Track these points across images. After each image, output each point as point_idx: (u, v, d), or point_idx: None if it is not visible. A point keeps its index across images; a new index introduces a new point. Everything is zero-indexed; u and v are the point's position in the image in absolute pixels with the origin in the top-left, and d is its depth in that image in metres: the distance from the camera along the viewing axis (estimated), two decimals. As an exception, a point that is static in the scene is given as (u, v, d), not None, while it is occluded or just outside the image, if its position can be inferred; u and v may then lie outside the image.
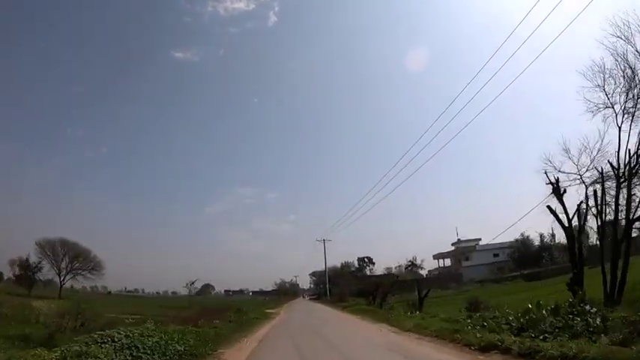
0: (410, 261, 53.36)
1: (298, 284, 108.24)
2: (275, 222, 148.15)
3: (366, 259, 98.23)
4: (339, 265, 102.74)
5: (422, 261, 57.45)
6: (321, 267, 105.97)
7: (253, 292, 64.77)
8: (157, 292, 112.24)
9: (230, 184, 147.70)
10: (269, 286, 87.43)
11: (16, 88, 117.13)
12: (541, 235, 55.86)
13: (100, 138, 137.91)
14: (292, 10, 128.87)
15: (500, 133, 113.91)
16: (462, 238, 61.61)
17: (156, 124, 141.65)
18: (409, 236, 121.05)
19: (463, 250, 58.07)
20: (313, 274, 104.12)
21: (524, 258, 53.27)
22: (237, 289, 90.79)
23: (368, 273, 78.85)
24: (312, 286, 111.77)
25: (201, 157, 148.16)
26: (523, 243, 55.84)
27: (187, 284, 56.69)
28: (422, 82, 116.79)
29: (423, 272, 63.96)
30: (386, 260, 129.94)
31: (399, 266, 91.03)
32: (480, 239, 62.08)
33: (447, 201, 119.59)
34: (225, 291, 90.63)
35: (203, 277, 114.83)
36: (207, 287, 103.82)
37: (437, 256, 62.52)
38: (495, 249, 58.32)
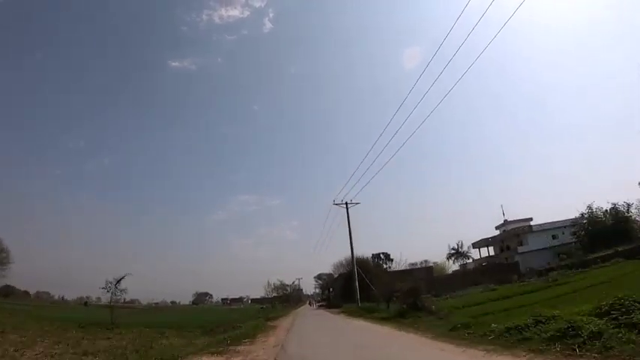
0: (454, 248, 41.14)
1: (302, 289, 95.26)
2: (278, 228, 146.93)
3: (382, 256, 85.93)
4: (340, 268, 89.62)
5: (468, 248, 45.45)
6: (325, 270, 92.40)
7: (253, 300, 53.78)
8: (155, 303, 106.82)
9: (233, 192, 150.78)
10: (270, 292, 70.67)
11: (15, 99, 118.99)
12: (614, 206, 43.61)
13: (101, 149, 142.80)
14: (286, 17, 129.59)
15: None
16: (508, 219, 49.33)
17: (156, 135, 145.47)
18: (424, 230, 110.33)
19: (517, 232, 45.57)
20: (319, 277, 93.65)
21: (598, 235, 41.06)
22: (237, 296, 79.28)
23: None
24: (317, 290, 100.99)
25: (203, 165, 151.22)
26: (592, 218, 43.50)
27: (108, 285, 22.29)
28: (423, 79, 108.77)
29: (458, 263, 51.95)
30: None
31: (425, 261, 78.66)
32: (530, 219, 49.80)
33: (457, 189, 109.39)
34: (223, 299, 79.21)
35: (204, 286, 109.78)
36: (204, 296, 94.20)
37: (478, 244, 50.21)
38: (555, 229, 45.97)
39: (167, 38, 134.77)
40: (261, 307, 46.93)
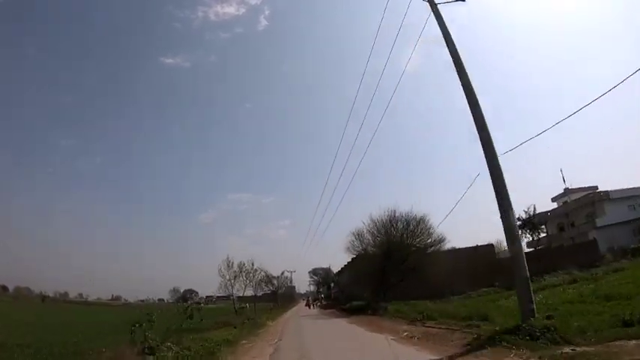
0: (519, 219, 28.62)
1: (294, 286, 78.97)
2: (271, 226, 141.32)
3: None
4: (333, 266, 68.12)
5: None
6: (322, 264, 77.50)
7: (239, 298, 41.81)
8: (140, 300, 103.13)
9: (225, 190, 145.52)
10: (231, 283, 40.55)
11: (5, 98, 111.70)
12: None
13: (93, 148, 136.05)
14: (283, 14, 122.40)
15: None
16: (570, 187, 38.05)
17: (146, 133, 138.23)
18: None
19: (592, 200, 34.18)
20: (314, 272, 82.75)
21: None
22: (225, 294, 67.76)
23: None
24: (312, 287, 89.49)
25: (196, 164, 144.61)
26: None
27: None
28: (418, 79, 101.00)
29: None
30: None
31: (446, 246, 65.38)
32: (596, 187, 38.59)
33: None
34: (207, 297, 68.71)
35: (196, 284, 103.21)
36: (189, 293, 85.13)
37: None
38: (634, 197, 34.80)
39: (161, 35, 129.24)
40: (241, 307, 32.00)
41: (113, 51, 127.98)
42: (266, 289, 45.90)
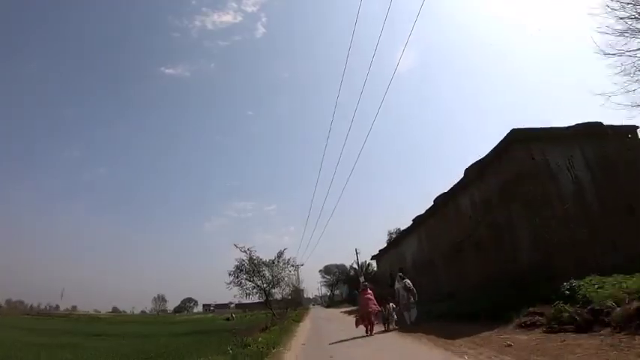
0: None
1: (302, 288, 59.08)
2: (275, 234, 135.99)
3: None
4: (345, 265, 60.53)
5: None
6: (334, 260, 69.40)
7: (238, 305, 36.25)
8: (142, 311, 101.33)
9: (229, 198, 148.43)
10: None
11: (7, 110, 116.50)
12: None
13: (96, 159, 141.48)
14: (279, 21, 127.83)
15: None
16: None
17: (149, 143, 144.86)
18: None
19: None
20: (326, 270, 69.88)
21: None
22: (225, 302, 63.07)
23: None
24: (323, 290, 76.54)
25: (198, 172, 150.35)
26: None
27: None
28: (417, 82, 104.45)
29: None
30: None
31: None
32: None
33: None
34: (205, 305, 64.69)
35: (200, 294, 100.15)
36: (188, 301, 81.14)
37: None
38: None
39: (160, 45, 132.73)
40: (226, 319, 23.87)
41: (114, 63, 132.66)
42: (249, 285, 23.30)
